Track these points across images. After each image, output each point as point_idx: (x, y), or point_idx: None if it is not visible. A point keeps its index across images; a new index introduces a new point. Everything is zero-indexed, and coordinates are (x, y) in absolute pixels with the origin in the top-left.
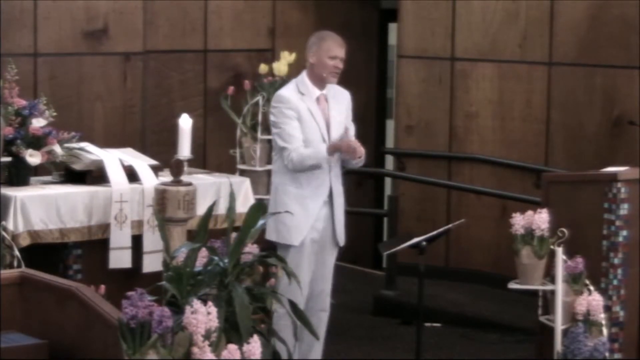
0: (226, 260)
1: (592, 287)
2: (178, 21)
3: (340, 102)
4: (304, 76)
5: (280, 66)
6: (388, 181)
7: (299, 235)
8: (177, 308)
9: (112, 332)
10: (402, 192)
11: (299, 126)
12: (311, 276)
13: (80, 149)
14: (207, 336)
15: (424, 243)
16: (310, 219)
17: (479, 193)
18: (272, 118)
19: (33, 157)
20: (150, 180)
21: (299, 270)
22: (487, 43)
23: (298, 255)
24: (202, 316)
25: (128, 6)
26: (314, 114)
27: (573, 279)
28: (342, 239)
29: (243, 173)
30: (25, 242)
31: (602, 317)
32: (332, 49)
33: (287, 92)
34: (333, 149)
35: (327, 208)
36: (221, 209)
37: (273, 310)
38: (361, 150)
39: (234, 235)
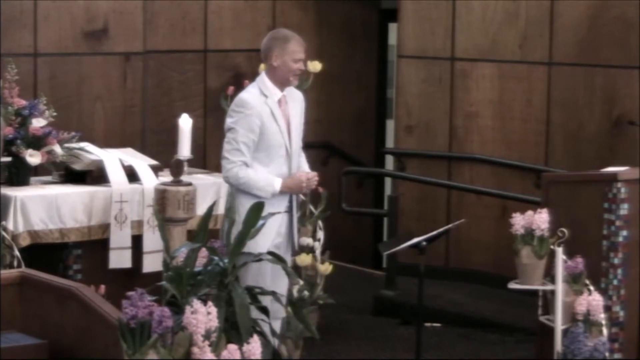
0: (226, 260)
1: (592, 287)
2: (178, 21)
3: (297, 102)
4: (264, 78)
5: None
6: (388, 181)
7: (259, 247)
8: (177, 308)
9: (112, 332)
10: (402, 192)
11: (254, 140)
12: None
13: (80, 149)
14: (207, 336)
15: (424, 243)
16: (271, 230)
17: (479, 193)
18: (229, 121)
19: (33, 157)
20: (150, 180)
21: (263, 277)
22: (487, 43)
23: (260, 264)
24: (202, 316)
25: (128, 6)
26: (276, 116)
27: (573, 279)
28: (296, 245)
29: None
30: (25, 242)
31: (602, 317)
32: (297, 52)
33: (251, 96)
34: (286, 189)
35: (286, 217)
36: (221, 209)
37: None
38: (312, 182)
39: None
